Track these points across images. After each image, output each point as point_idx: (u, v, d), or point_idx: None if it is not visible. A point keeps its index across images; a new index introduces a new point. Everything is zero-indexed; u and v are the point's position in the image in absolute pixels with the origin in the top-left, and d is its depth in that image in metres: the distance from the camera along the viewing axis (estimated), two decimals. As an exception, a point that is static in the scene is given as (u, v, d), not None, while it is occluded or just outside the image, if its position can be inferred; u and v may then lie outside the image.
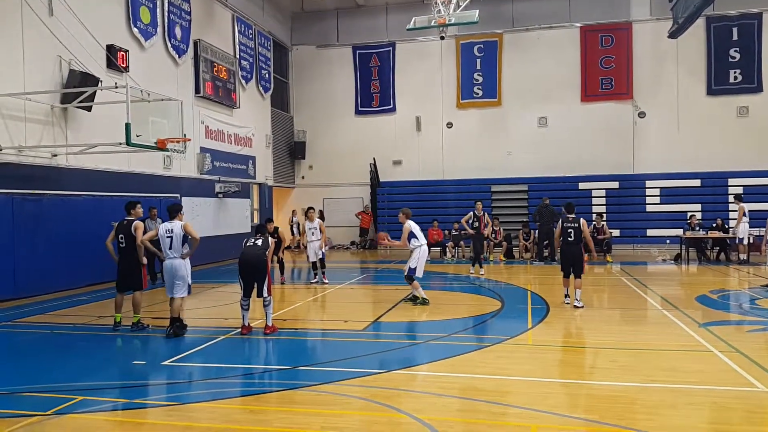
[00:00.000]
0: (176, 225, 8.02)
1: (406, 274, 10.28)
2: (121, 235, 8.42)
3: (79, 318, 9.50)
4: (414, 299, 10.27)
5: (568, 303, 9.88)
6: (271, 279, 8.44)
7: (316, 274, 13.28)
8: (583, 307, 9.62)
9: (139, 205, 8.77)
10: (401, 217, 10.52)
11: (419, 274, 10.21)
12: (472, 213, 14.50)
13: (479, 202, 14.78)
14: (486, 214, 14.83)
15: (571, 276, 9.81)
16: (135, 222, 8.47)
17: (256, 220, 20.99)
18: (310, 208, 13.75)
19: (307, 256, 13.33)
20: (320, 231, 13.09)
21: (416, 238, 10.20)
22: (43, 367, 6.74)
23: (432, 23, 17.15)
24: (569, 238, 9.84)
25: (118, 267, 8.57)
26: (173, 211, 8.17)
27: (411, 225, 10.26)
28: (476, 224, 14.40)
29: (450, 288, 13.39)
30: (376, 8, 24.03)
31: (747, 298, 10.86)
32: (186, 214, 13.02)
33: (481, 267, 14.52)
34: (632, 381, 5.76)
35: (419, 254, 10.18)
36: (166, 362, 6.73)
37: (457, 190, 22.92)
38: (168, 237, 7.96)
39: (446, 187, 23.15)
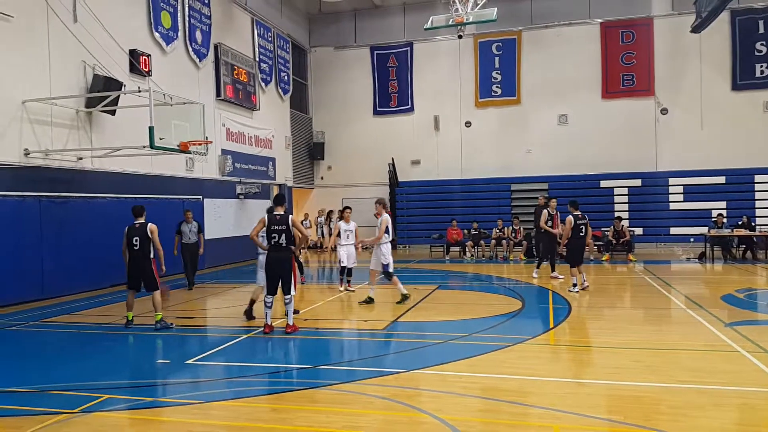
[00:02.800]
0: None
1: (382, 270, 10.31)
2: (135, 238, 8.66)
3: (105, 318, 9.68)
4: (369, 300, 10.30)
5: (582, 289, 10.92)
6: (296, 276, 8.57)
7: (342, 280, 12.14)
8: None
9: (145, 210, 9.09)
10: (379, 208, 10.45)
11: (391, 267, 10.32)
12: (546, 212, 13.11)
13: (554, 200, 13.58)
14: (558, 212, 13.32)
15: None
16: (150, 225, 8.74)
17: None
18: (347, 208, 12.40)
19: (339, 260, 11.98)
20: (356, 235, 11.96)
21: (388, 233, 10.35)
22: (70, 366, 6.89)
23: (450, 22, 17.11)
24: (581, 234, 11.14)
25: (131, 268, 8.79)
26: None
27: (388, 218, 10.33)
28: (549, 223, 13.08)
29: (470, 287, 13.34)
30: (393, 8, 24.04)
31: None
32: (207, 215, 13.29)
33: (537, 269, 13.52)
34: (657, 381, 5.68)
35: (388, 249, 10.30)
36: (190, 361, 6.82)
37: (477, 189, 22.85)
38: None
39: (465, 186, 23.07)
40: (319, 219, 23.00)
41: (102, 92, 12.24)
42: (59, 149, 11.85)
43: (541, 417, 4.85)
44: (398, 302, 10.23)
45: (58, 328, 9.11)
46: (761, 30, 20.60)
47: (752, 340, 7.12)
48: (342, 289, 12.10)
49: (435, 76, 23.61)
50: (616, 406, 5.10)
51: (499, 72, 23.07)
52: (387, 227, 10.25)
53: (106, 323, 9.24)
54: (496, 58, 23.08)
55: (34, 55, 11.44)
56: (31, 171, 11.18)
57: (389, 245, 10.35)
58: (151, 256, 8.75)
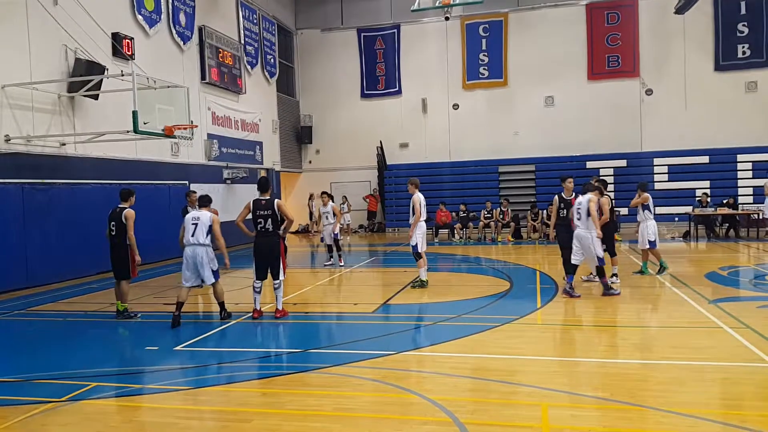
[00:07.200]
0: (204, 214, 8.00)
1: (413, 251, 10.09)
2: (112, 223, 8.31)
3: (91, 305, 9.61)
4: (422, 283, 10.12)
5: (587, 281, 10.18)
6: (285, 260, 8.52)
7: (331, 257, 13.57)
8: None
9: (133, 196, 8.61)
10: (411, 188, 10.04)
11: (422, 249, 10.04)
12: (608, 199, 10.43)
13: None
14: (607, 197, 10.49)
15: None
16: (126, 210, 8.30)
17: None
18: (324, 192, 14.36)
19: (322, 239, 14.00)
20: (333, 214, 13.46)
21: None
22: (57, 355, 6.84)
23: (436, 4, 16.97)
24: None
25: (111, 255, 8.45)
26: (204, 201, 8.24)
27: (421, 197, 9.96)
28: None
29: (458, 269, 13.42)
30: (380, -11, 23.77)
31: (757, 274, 10.80)
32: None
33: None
34: (642, 358, 5.78)
35: (420, 229, 9.94)
36: (178, 347, 6.81)
37: (465, 171, 22.87)
38: (192, 224, 7.92)
39: (454, 168, 23.08)
40: (311, 202, 22.87)
41: (84, 76, 12.00)
42: (41, 135, 11.64)
43: (529, 395, 4.91)
44: (414, 286, 10.13)
45: (45, 317, 9.03)
46: (743, 11, 20.66)
47: (735, 316, 7.25)
48: (329, 263, 13.49)
49: (422, 59, 23.45)
50: (603, 383, 5.18)
51: (486, 54, 22.97)
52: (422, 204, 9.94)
53: (92, 311, 9.18)
54: (483, 40, 22.96)
55: (12, 39, 11.16)
56: (12, 157, 10.97)
57: (422, 224, 10.00)
58: (128, 243, 8.27)
